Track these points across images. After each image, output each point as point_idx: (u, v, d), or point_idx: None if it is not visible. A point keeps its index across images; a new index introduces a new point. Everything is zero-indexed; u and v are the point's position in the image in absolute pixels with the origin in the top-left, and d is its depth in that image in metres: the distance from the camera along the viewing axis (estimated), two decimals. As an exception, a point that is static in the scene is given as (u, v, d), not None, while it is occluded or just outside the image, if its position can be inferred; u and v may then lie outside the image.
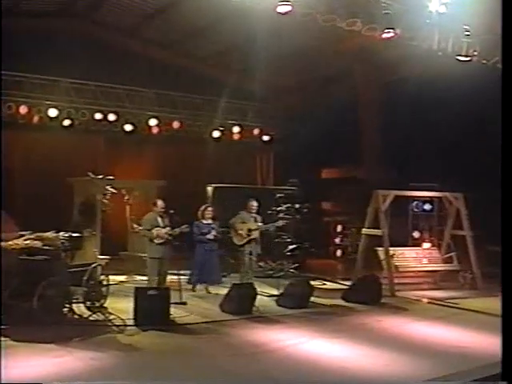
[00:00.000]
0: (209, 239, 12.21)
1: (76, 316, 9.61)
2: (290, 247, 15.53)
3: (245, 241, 12.17)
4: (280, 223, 12.78)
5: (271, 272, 14.78)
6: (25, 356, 7.23)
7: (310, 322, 9.80)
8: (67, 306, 9.61)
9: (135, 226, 15.55)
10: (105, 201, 14.76)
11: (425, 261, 14.09)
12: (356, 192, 18.88)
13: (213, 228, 12.28)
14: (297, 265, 15.31)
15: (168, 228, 11.23)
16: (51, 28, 16.83)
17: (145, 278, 13.74)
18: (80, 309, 9.76)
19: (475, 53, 11.41)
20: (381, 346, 8.20)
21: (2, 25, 13.20)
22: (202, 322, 9.56)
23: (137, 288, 9.81)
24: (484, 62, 11.68)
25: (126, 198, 15.69)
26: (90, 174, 14.97)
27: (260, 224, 12.35)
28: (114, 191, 14.96)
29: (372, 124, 19.01)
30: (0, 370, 6.29)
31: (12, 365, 6.74)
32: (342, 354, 7.76)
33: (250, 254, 12.22)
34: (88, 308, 9.89)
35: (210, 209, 12.41)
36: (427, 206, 17.20)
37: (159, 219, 11.31)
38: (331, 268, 16.81)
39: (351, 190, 19.31)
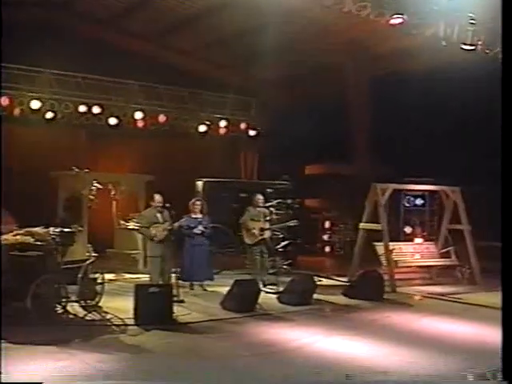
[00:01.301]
0: (196, 233, 11.73)
1: (71, 316, 9.08)
2: (283, 243, 15.14)
3: (256, 240, 11.75)
4: (293, 223, 12.41)
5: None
6: (24, 360, 6.67)
7: (319, 319, 9.42)
8: (62, 305, 9.09)
9: (122, 222, 15.12)
10: (91, 197, 14.22)
11: (422, 256, 13.78)
12: (343, 188, 18.66)
13: (200, 222, 11.81)
14: (290, 261, 14.93)
15: (167, 223, 10.72)
16: (33, 18, 16.17)
17: (134, 276, 13.38)
18: (74, 308, 9.24)
19: (479, 42, 11.15)
20: (401, 342, 7.88)
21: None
22: (207, 321, 9.09)
23: (137, 285, 9.32)
24: (487, 51, 11.42)
25: (113, 193, 15.15)
26: (75, 168, 14.43)
27: (269, 218, 11.95)
28: (100, 186, 14.43)
29: (361, 119, 18.69)
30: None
31: (12, 370, 6.18)
32: (365, 352, 7.39)
33: (262, 252, 11.82)
34: (83, 307, 9.40)
35: (198, 203, 11.96)
36: (419, 201, 17.04)
37: (158, 215, 10.82)
38: (321, 264, 16.53)
39: (339, 187, 19.08)
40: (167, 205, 11.01)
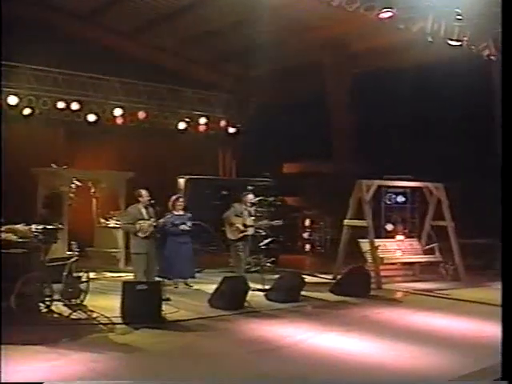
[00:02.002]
0: (182, 231, 11.49)
1: (55, 315, 8.83)
2: (266, 241, 15.01)
3: (240, 235, 11.57)
4: (277, 223, 12.25)
5: (248, 267, 14.19)
6: (16, 359, 6.42)
7: (310, 315, 9.32)
8: (46, 303, 8.85)
9: (102, 220, 14.89)
10: (71, 194, 13.98)
11: (407, 252, 13.76)
12: (322, 186, 18.62)
13: (189, 219, 11.60)
14: (273, 259, 14.82)
15: (152, 219, 10.47)
16: (9, 13, 15.74)
17: (115, 274, 13.15)
18: (58, 307, 8.98)
19: (465, 38, 11.14)
20: (396, 338, 7.81)
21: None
22: (197, 318, 8.91)
23: (124, 282, 9.11)
24: (473, 47, 11.42)
25: (92, 190, 14.91)
26: (54, 165, 14.17)
27: (253, 215, 11.86)
28: (79, 184, 14.21)
29: (341, 117, 18.60)
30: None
31: (5, 370, 5.94)
32: (363, 348, 7.30)
33: (244, 249, 11.66)
34: (68, 306, 9.13)
35: (181, 199, 11.71)
36: (400, 198, 17.00)
37: (144, 211, 10.52)
38: (303, 262, 16.44)
39: (317, 185, 19.03)
40: (152, 201, 10.79)
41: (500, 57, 11.68)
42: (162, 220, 10.65)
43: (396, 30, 14.50)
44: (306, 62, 18.75)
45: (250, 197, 11.89)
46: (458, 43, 11.05)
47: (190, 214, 11.85)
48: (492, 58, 12.02)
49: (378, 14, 9.75)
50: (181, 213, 11.64)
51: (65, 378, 5.97)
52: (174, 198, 11.85)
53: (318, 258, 17.09)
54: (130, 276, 12.17)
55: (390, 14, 9.69)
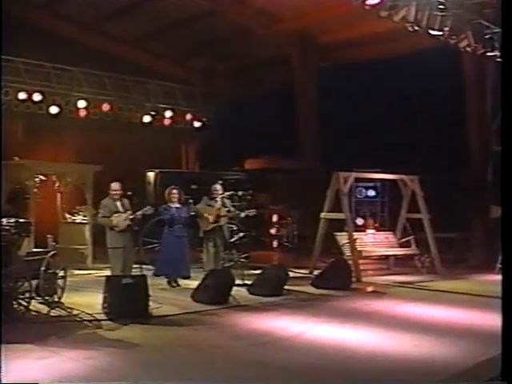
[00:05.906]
0: (181, 223, 11.00)
1: (33, 313, 8.31)
2: (237, 236, 14.71)
3: (211, 226, 11.20)
4: (251, 212, 11.93)
5: (221, 262, 13.86)
6: (7, 358, 5.94)
7: (300, 308, 9.06)
8: (25, 300, 8.32)
9: (68, 215, 14.33)
10: (35, 189, 13.43)
11: (383, 245, 13.66)
12: (286, 182, 18.47)
13: (186, 212, 11.15)
14: (247, 254, 14.52)
15: (129, 212, 10.02)
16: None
17: (85, 271, 12.65)
18: (34, 305, 8.46)
19: (446, 28, 11.04)
20: (393, 327, 7.71)
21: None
22: (184, 313, 8.52)
23: (108, 277, 8.68)
24: (453, 37, 11.36)
25: (57, 185, 14.32)
26: (16, 158, 13.59)
27: (231, 209, 11.51)
28: (44, 178, 13.66)
29: (307, 112, 18.43)
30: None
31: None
32: (363, 338, 7.13)
33: (216, 241, 11.28)
34: (45, 303, 8.62)
35: (174, 191, 11.13)
36: (370, 193, 16.97)
37: (118, 204, 10.06)
38: (273, 258, 16.18)
39: (281, 181, 18.86)
40: (129, 193, 10.37)
41: (479, 47, 11.70)
42: (139, 212, 10.21)
43: (366, 23, 14.55)
44: (273, 56, 18.56)
45: (218, 187, 11.57)
46: (440, 33, 10.92)
47: (186, 206, 11.39)
48: (468, 49, 11.96)
49: (365, 0, 9.53)
50: (177, 205, 11.12)
51: (63, 376, 5.56)
52: (167, 190, 11.36)
53: (286, 254, 16.83)
54: (99, 273, 11.77)
55: (377, 0, 9.47)
